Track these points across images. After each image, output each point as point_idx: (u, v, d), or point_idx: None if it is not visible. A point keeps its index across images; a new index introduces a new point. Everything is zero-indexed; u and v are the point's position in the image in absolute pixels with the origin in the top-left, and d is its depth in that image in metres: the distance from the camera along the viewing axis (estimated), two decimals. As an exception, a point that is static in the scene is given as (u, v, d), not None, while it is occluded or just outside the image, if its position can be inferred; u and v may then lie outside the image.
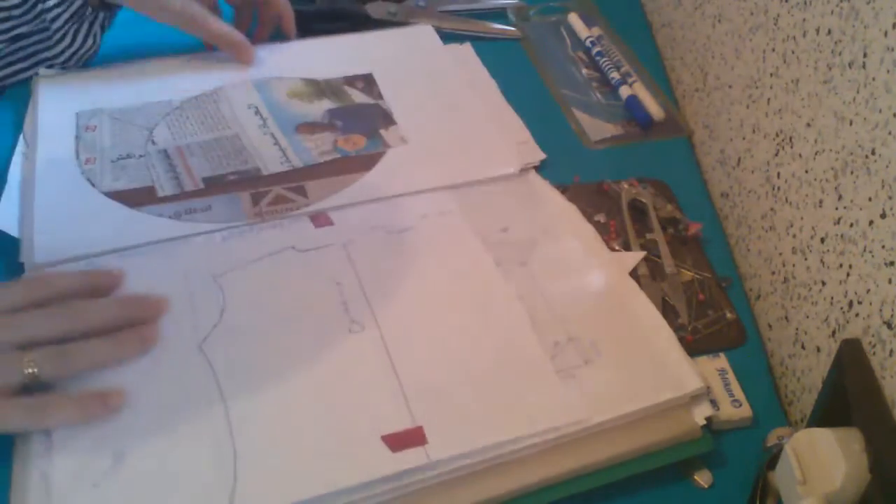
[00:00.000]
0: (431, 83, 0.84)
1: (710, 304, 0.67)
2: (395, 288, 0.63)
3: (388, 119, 0.79)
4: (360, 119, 0.79)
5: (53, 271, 0.62)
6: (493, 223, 0.69)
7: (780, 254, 0.65)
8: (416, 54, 0.88)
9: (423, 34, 0.90)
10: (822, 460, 0.49)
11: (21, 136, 0.74)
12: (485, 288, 0.64)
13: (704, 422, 0.57)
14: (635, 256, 0.68)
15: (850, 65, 0.55)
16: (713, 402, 0.59)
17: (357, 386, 0.57)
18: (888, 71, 0.51)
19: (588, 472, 0.54)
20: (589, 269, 0.66)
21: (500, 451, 0.53)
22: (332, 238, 0.67)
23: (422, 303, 0.62)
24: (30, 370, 0.52)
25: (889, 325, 0.51)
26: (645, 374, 0.58)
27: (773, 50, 0.66)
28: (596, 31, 0.92)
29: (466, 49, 0.89)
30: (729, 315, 0.66)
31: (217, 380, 0.56)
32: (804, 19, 0.61)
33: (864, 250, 0.54)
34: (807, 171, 0.61)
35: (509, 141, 0.77)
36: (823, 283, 0.59)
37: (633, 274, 0.67)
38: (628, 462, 0.55)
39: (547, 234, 0.69)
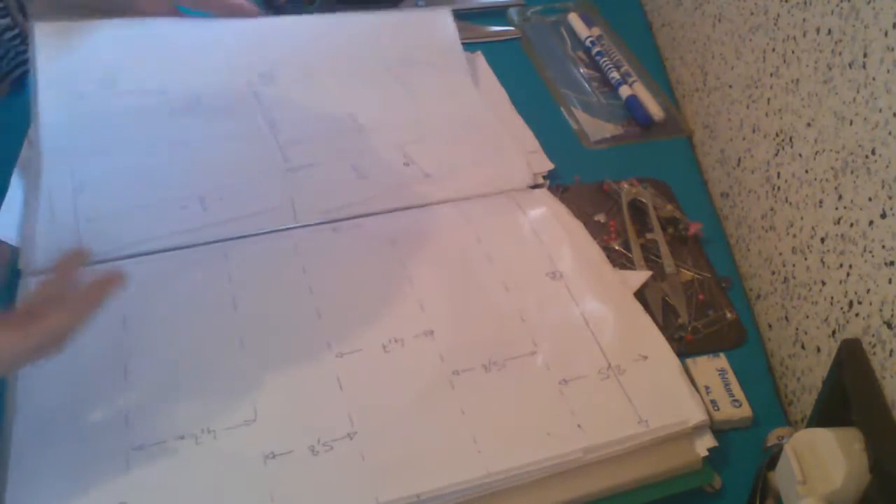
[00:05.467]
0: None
1: (710, 304, 0.67)
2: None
3: None
4: None
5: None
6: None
7: (780, 254, 0.65)
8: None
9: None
10: (822, 460, 0.49)
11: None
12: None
13: (707, 453, 0.56)
14: (641, 276, 0.67)
15: (850, 65, 0.55)
16: (713, 402, 0.59)
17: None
18: (888, 71, 0.51)
19: (586, 501, 0.54)
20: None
21: (492, 480, 0.53)
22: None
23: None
24: None
25: (889, 325, 0.50)
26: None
27: (773, 50, 0.66)
28: (596, 31, 0.92)
29: (478, 57, 0.88)
30: (729, 315, 0.66)
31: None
32: (804, 19, 0.61)
33: (864, 250, 0.53)
34: (807, 171, 0.61)
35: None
36: (823, 283, 0.59)
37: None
38: (628, 493, 0.55)
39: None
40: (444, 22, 0.86)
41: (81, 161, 0.71)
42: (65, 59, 0.75)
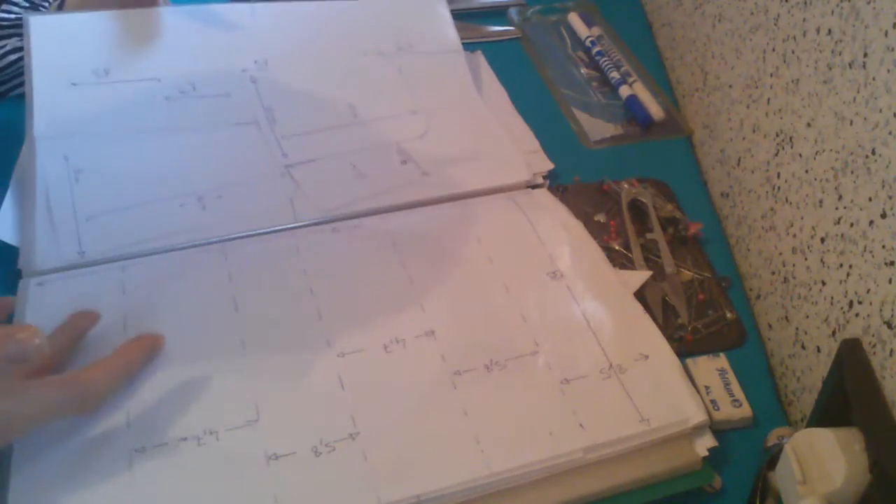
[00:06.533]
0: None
1: (710, 304, 0.67)
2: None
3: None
4: None
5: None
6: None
7: (780, 254, 0.65)
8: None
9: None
10: (822, 460, 0.49)
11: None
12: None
13: (707, 453, 0.56)
14: (641, 276, 0.67)
15: (850, 65, 0.55)
16: (713, 402, 0.59)
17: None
18: (888, 71, 0.51)
19: (587, 501, 0.54)
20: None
21: (495, 480, 0.53)
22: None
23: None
24: None
25: (889, 325, 0.51)
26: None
27: (773, 50, 0.66)
28: (596, 31, 0.93)
29: (478, 57, 0.89)
30: (729, 315, 0.66)
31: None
32: (804, 19, 0.61)
33: (864, 250, 0.54)
34: (807, 171, 0.61)
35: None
36: (823, 283, 0.59)
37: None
38: (628, 493, 0.55)
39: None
40: (437, 10, 0.86)
41: (75, 146, 0.71)
42: (59, 51, 0.75)
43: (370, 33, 0.84)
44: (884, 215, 0.52)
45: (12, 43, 0.78)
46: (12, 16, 0.79)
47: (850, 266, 0.55)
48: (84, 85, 0.74)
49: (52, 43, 0.75)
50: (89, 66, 0.75)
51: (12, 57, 0.78)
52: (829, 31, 0.58)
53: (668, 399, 0.58)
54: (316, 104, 0.79)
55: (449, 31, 0.85)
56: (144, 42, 0.78)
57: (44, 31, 0.75)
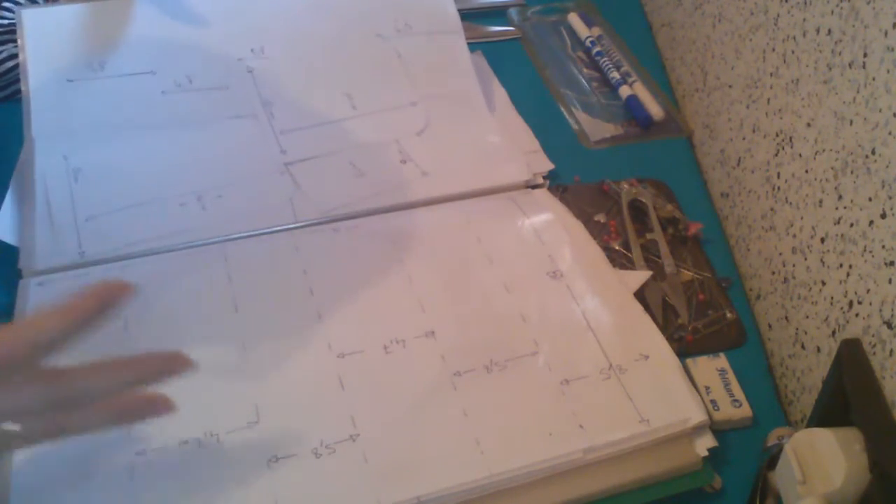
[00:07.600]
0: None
1: (710, 304, 0.67)
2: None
3: None
4: None
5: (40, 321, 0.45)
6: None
7: (780, 254, 0.65)
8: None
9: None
10: (822, 460, 0.49)
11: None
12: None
13: (707, 453, 0.56)
14: (641, 276, 0.67)
15: (850, 65, 0.55)
16: (713, 402, 0.59)
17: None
18: (888, 71, 0.51)
19: (587, 501, 0.54)
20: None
21: (495, 480, 0.53)
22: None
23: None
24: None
25: (889, 325, 0.51)
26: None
27: (773, 50, 0.66)
28: (596, 31, 0.92)
29: (478, 57, 0.88)
30: (729, 315, 0.66)
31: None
32: (804, 19, 0.61)
33: (864, 250, 0.54)
34: (807, 171, 0.61)
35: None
36: (823, 283, 0.59)
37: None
38: (628, 493, 0.55)
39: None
40: None
41: (74, 145, 0.71)
42: (53, 45, 0.75)
43: (368, 13, 0.83)
44: (884, 215, 0.52)
45: (9, 49, 0.78)
46: (7, 21, 0.79)
47: (850, 266, 0.55)
48: (80, 81, 0.74)
49: (46, 37, 0.75)
50: (84, 59, 0.75)
51: (10, 63, 0.77)
52: (829, 31, 0.58)
53: (668, 399, 0.58)
54: (314, 95, 0.78)
55: (448, 7, 0.84)
56: (138, 31, 0.77)
57: (37, 25, 0.75)
